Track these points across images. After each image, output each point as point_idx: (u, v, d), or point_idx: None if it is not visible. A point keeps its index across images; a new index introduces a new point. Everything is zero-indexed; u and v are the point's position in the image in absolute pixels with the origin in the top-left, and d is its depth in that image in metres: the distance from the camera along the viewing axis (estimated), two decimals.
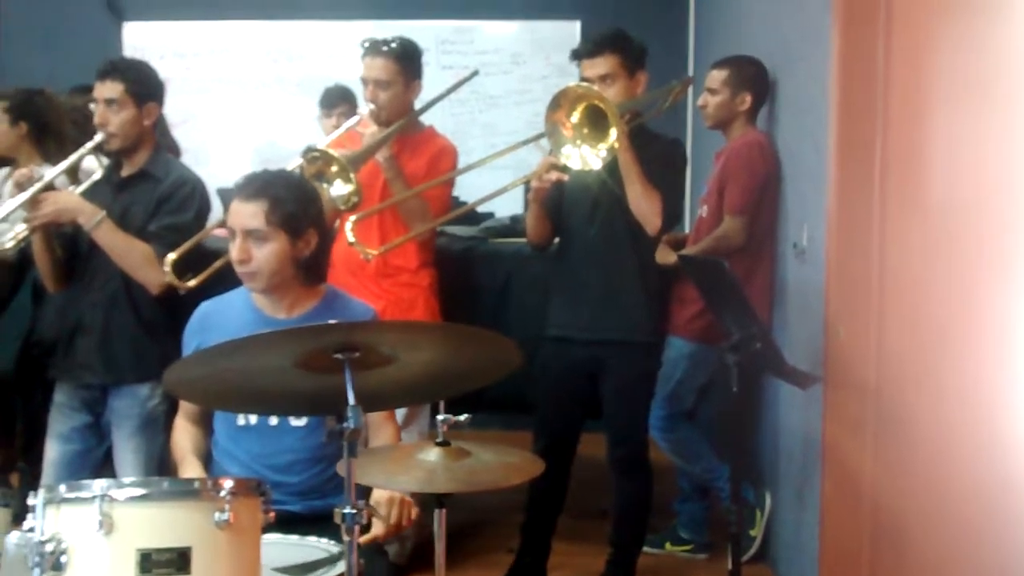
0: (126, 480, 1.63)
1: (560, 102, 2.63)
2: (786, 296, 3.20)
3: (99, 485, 1.59)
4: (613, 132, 2.57)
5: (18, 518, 1.82)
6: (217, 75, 5.53)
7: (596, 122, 2.63)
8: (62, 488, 1.61)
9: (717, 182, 3.33)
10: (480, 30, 5.56)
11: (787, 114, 3.29)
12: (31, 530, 1.60)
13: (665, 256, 3.20)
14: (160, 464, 2.79)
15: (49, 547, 1.54)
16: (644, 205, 2.78)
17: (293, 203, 2.24)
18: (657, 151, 2.89)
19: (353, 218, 2.79)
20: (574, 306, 2.95)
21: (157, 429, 2.79)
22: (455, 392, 1.86)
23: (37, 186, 2.63)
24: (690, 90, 4.11)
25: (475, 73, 3.38)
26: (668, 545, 3.54)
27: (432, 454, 1.90)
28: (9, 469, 3.80)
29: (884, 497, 2.38)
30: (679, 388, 3.38)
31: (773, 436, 3.38)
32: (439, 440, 1.91)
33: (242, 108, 5.59)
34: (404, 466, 1.90)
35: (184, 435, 2.38)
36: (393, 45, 3.10)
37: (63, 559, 1.55)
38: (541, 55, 5.47)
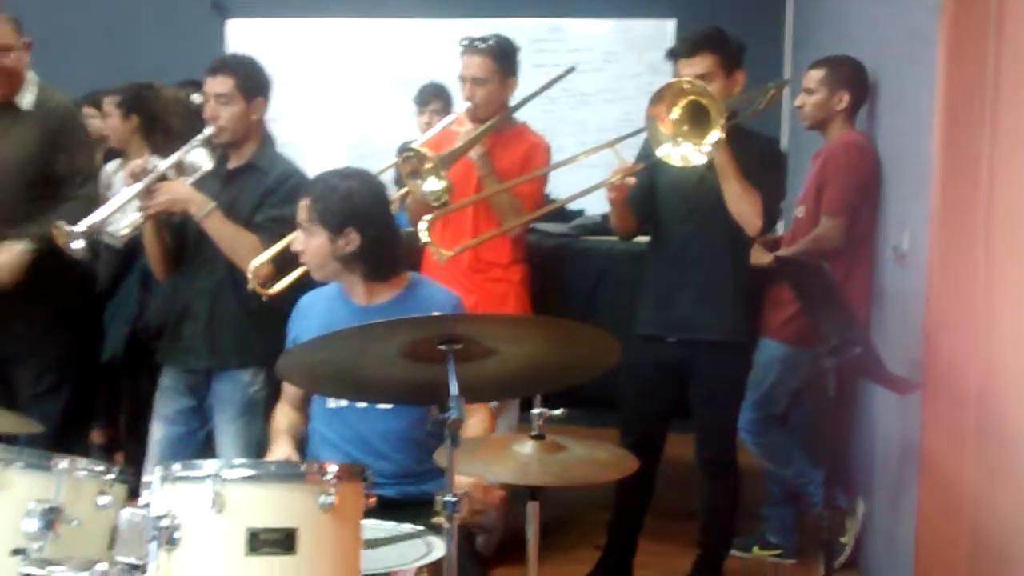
0: (236, 461, 1.69)
1: (663, 96, 2.63)
2: (884, 300, 3.14)
3: (211, 465, 1.65)
4: (716, 129, 2.56)
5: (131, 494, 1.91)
6: (314, 72, 5.67)
7: (696, 119, 2.63)
8: (176, 467, 1.67)
9: (815, 183, 3.28)
10: (573, 28, 5.58)
11: (889, 116, 3.22)
12: (147, 506, 1.68)
13: (759, 257, 3.17)
14: (259, 449, 2.87)
15: (164, 523, 1.61)
16: (743, 205, 2.77)
17: (333, 202, 2.30)
18: (755, 150, 2.87)
19: (427, 217, 2.80)
20: (666, 305, 2.95)
21: (257, 414, 2.87)
22: (553, 387, 1.88)
23: (151, 176, 2.73)
24: (786, 92, 4.06)
25: (571, 69, 3.39)
26: (756, 549, 3.50)
27: (527, 447, 1.92)
28: (114, 448, 3.98)
29: (984, 509, 2.32)
30: (771, 391, 3.34)
31: (868, 442, 3.31)
32: (534, 433, 1.93)
33: (338, 104, 5.72)
34: (499, 457, 1.93)
35: (283, 417, 2.47)
36: (490, 43, 3.14)
37: (177, 535, 1.61)
38: (634, 53, 5.45)
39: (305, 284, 2.72)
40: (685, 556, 3.14)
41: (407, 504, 2.19)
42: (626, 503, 3.09)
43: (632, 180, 2.80)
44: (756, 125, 3.11)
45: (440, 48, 5.50)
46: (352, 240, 2.29)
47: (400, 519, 2.11)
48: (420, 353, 1.66)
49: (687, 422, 3.05)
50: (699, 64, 2.83)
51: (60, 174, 3.12)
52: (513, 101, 3.24)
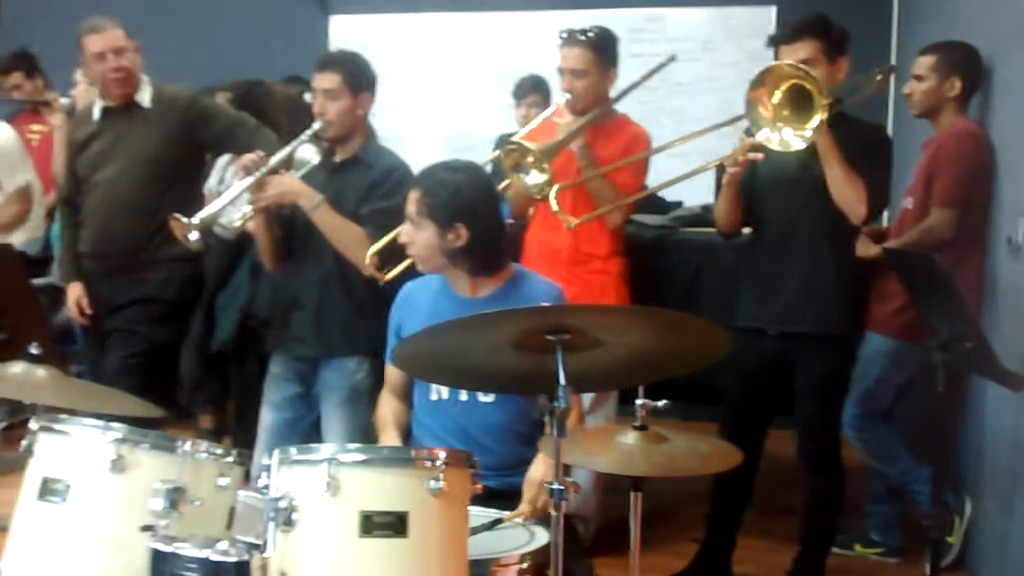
0: (350, 445, 1.74)
1: (764, 80, 2.60)
2: (997, 293, 3.04)
3: (327, 449, 1.72)
4: (818, 114, 2.52)
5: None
6: (414, 66, 5.76)
7: (798, 104, 2.59)
8: (293, 450, 1.74)
9: (924, 172, 3.19)
10: (671, 17, 5.53)
11: (1004, 103, 3.11)
12: (265, 487, 1.76)
13: (866, 248, 3.10)
14: (364, 435, 2.95)
15: (282, 504, 1.68)
16: (847, 192, 2.71)
17: (443, 196, 2.31)
18: (859, 136, 2.80)
19: (557, 186, 2.84)
20: (767, 297, 2.91)
21: (363, 401, 2.95)
22: (658, 378, 1.88)
23: (262, 170, 2.82)
24: (891, 79, 3.95)
25: (673, 58, 3.37)
26: (858, 547, 3.44)
27: (630, 437, 1.94)
28: (222, 433, 4.13)
29: None
30: (876, 386, 3.27)
31: (977, 440, 3.22)
32: (637, 424, 1.94)
33: (436, 98, 5.80)
34: (602, 447, 1.95)
35: (388, 408, 2.52)
36: (590, 35, 3.14)
37: (294, 516, 1.67)
38: (733, 41, 5.38)
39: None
40: (785, 552, 3.11)
41: (507, 494, 2.22)
42: (725, 498, 3.07)
43: (759, 156, 2.73)
44: (860, 112, 3.05)
45: (537, 41, 5.52)
46: (461, 235, 2.30)
47: (500, 509, 2.15)
48: (528, 343, 1.68)
49: (788, 418, 3.02)
50: (801, 50, 2.78)
51: (212, 140, 3.33)
52: (613, 92, 3.24)
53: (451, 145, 5.71)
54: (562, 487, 1.66)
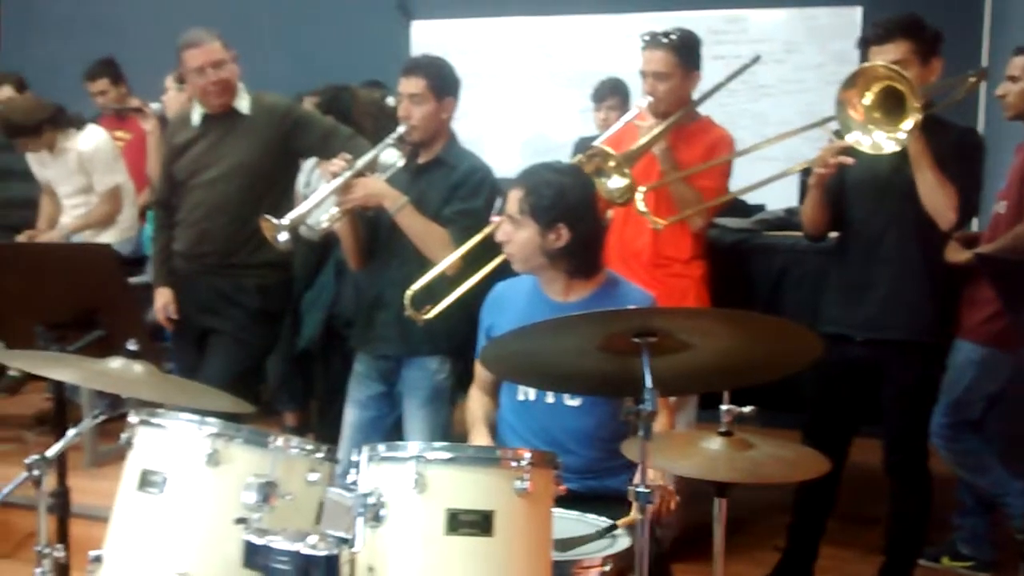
0: (437, 444, 1.77)
1: (856, 81, 2.56)
2: None
3: (414, 447, 1.74)
4: (911, 116, 2.47)
5: None
6: (493, 70, 5.80)
7: (889, 105, 2.54)
8: (382, 447, 1.77)
9: (1018, 176, 3.09)
10: (753, 19, 5.47)
11: None
12: (354, 483, 1.79)
13: (955, 254, 3.02)
14: (445, 435, 2.99)
15: (371, 500, 1.71)
16: (938, 197, 2.64)
17: (547, 196, 2.32)
18: (951, 140, 2.73)
19: (643, 188, 2.83)
20: (854, 303, 2.86)
21: (444, 401, 2.99)
22: (746, 383, 1.87)
23: (348, 173, 2.87)
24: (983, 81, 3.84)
25: (757, 58, 3.33)
26: (946, 560, 3.35)
27: (715, 443, 1.93)
28: (305, 431, 4.22)
29: None
30: (966, 395, 3.18)
31: None
32: (722, 430, 1.93)
33: (515, 102, 5.83)
34: (686, 452, 1.94)
35: (477, 404, 2.56)
36: (673, 37, 3.12)
37: (382, 512, 1.70)
38: (817, 43, 5.29)
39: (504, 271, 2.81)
40: (869, 563, 3.04)
41: (589, 498, 2.22)
42: (808, 506, 3.02)
43: (850, 160, 2.69)
44: (950, 115, 2.97)
45: (615, 44, 5.52)
46: (562, 235, 2.32)
47: (582, 512, 2.15)
48: (615, 346, 1.69)
49: (873, 427, 2.96)
50: (892, 51, 2.72)
51: (307, 148, 3.42)
52: (695, 94, 3.22)
53: (529, 148, 5.73)
54: (648, 490, 1.66)
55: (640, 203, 2.86)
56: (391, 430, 3.08)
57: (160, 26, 4.74)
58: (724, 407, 1.92)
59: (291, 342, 3.80)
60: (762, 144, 2.99)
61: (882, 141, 2.55)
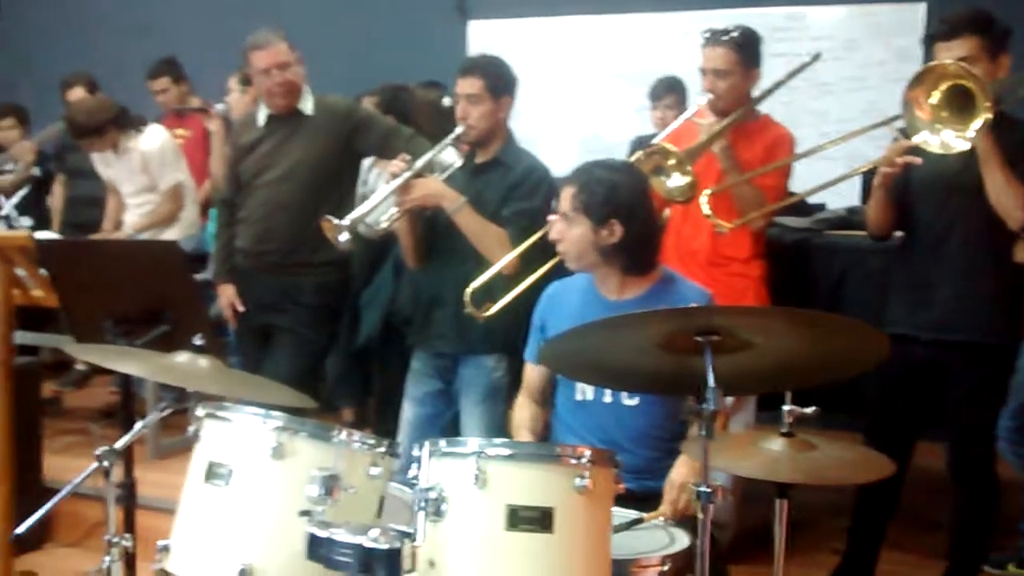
0: (496, 440, 1.78)
1: (923, 79, 2.51)
2: None
3: (474, 443, 1.76)
4: (981, 115, 2.42)
5: None
6: (549, 69, 5.80)
7: (958, 104, 2.49)
8: (442, 443, 1.79)
9: None
10: (813, 15, 5.39)
11: None
12: (415, 478, 1.81)
13: None
14: (501, 432, 2.99)
15: (432, 495, 1.72)
16: (1006, 197, 2.59)
17: (599, 193, 2.32)
18: (1019, 138, 2.67)
19: (708, 192, 2.81)
20: (918, 303, 2.81)
21: (500, 399, 3.00)
22: (810, 383, 1.84)
23: (407, 174, 2.90)
24: None
25: (818, 56, 3.29)
26: (1012, 567, 3.27)
27: (776, 443, 1.90)
28: (362, 427, 4.26)
29: None
30: None
31: None
32: (784, 430, 1.91)
33: (570, 100, 5.82)
34: (747, 453, 1.92)
35: (523, 411, 2.56)
36: (734, 35, 3.09)
37: (443, 507, 1.71)
38: (879, 40, 5.19)
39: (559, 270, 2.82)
40: (931, 568, 2.99)
41: (647, 497, 2.22)
42: (869, 510, 2.97)
43: (917, 160, 2.65)
44: (1019, 113, 2.90)
45: (671, 42, 5.49)
46: (615, 232, 2.32)
47: (641, 511, 2.15)
48: (676, 344, 1.68)
49: (937, 430, 2.90)
50: (959, 47, 2.67)
51: (369, 148, 3.47)
52: (755, 92, 3.19)
53: (585, 147, 5.72)
54: (709, 490, 1.65)
55: (705, 206, 2.84)
56: (448, 427, 3.10)
57: (221, 28, 4.83)
58: (786, 407, 1.90)
59: (350, 339, 3.84)
60: (827, 145, 2.96)
61: (951, 140, 2.51)
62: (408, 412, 3.14)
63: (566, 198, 2.36)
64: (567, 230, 2.37)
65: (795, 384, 1.83)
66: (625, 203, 2.33)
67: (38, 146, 5.03)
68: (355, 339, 3.82)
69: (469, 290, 2.78)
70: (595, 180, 2.34)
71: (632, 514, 2.11)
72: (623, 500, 2.09)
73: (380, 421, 3.89)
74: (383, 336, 3.72)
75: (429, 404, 3.12)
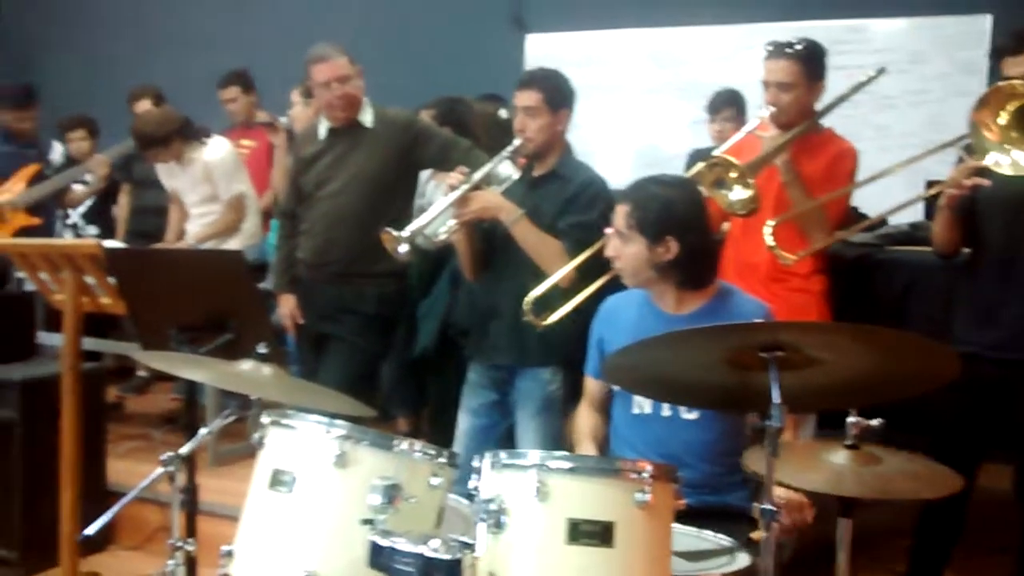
0: (557, 453, 1.77)
1: (989, 100, 2.47)
2: None
3: (535, 455, 1.76)
4: None
5: None
6: (606, 82, 5.80)
7: None
8: (503, 455, 1.79)
9: None
10: (875, 28, 5.32)
11: None
12: (475, 489, 1.81)
13: None
14: (556, 445, 2.99)
15: (492, 506, 1.73)
16: None
17: (653, 210, 2.32)
18: None
19: (772, 222, 2.81)
20: (986, 322, 2.75)
21: (556, 411, 3.00)
22: (876, 401, 1.82)
23: (465, 186, 2.92)
24: None
25: (883, 70, 3.24)
26: None
27: (840, 456, 1.87)
28: (416, 437, 4.28)
29: None
30: None
31: None
32: (848, 443, 1.88)
33: (627, 113, 5.82)
34: (810, 465, 1.89)
35: (585, 421, 2.56)
36: (798, 47, 3.06)
37: (504, 519, 1.72)
38: (943, 53, 5.11)
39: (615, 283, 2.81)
40: None
41: (706, 513, 2.20)
42: (933, 530, 2.91)
43: (986, 181, 2.61)
44: None
45: (729, 54, 5.46)
46: (671, 248, 2.31)
47: (700, 527, 2.13)
48: (740, 360, 1.67)
49: (1004, 451, 2.84)
50: None
51: (427, 160, 3.51)
52: (818, 105, 3.15)
53: (641, 160, 5.71)
54: (774, 508, 1.63)
55: (769, 237, 2.81)
56: (503, 438, 3.11)
57: (285, 42, 4.92)
58: (851, 419, 1.87)
59: (406, 349, 3.87)
60: (894, 167, 2.91)
61: (1022, 160, 2.46)
62: (463, 423, 3.15)
63: (620, 215, 2.36)
64: (622, 247, 2.37)
65: (861, 402, 1.81)
66: (680, 220, 2.32)
67: (111, 160, 5.15)
68: (411, 350, 3.85)
69: (529, 298, 2.79)
70: (649, 197, 2.34)
71: (693, 531, 2.10)
72: (683, 517, 2.08)
73: (434, 431, 3.90)
74: (439, 347, 3.74)
75: (485, 415, 3.13)
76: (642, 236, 2.32)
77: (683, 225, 2.32)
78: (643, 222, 2.32)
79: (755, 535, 2.04)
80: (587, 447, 2.48)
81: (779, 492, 2.16)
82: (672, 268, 2.34)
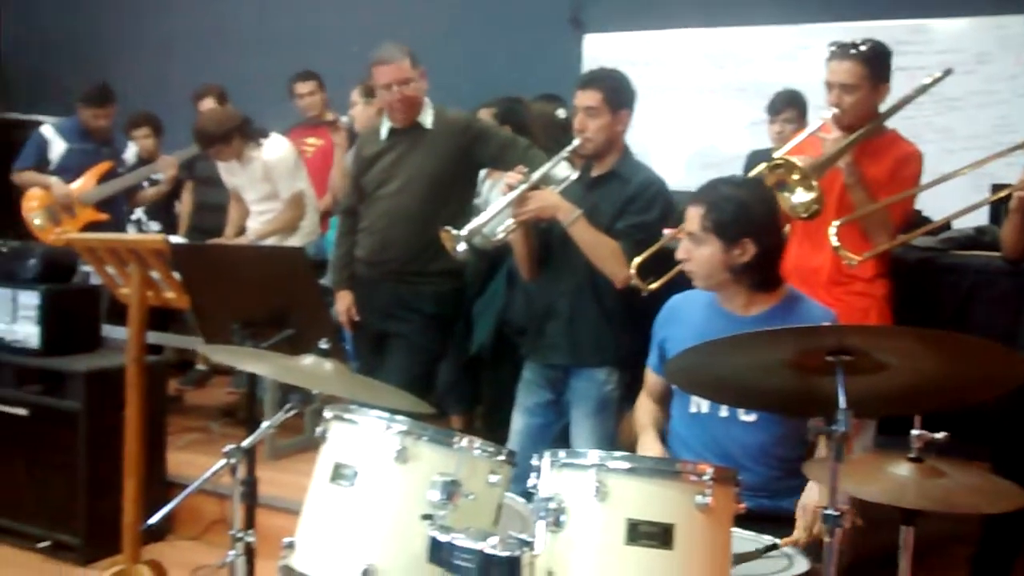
0: (616, 453, 1.77)
1: None
2: None
3: (595, 455, 1.75)
4: None
5: None
6: (663, 82, 5.76)
7: None
8: (562, 453, 1.79)
9: None
10: (939, 28, 5.22)
11: None
12: (534, 487, 1.82)
13: None
14: (611, 445, 2.99)
15: (551, 505, 1.73)
16: None
17: (729, 212, 2.30)
18: None
19: (837, 223, 2.78)
20: None
21: (611, 412, 3.00)
22: (941, 407, 1.79)
23: (524, 186, 2.93)
24: None
25: (949, 71, 3.18)
26: None
27: (903, 468, 1.86)
28: (470, 434, 4.29)
29: None
30: None
31: None
32: (912, 455, 1.86)
33: (684, 113, 5.78)
34: (872, 477, 1.87)
35: (645, 411, 2.56)
36: (862, 48, 3.02)
37: (563, 518, 1.71)
38: (1009, 52, 4.99)
39: (670, 286, 2.81)
40: None
41: (762, 517, 2.18)
42: (997, 540, 2.85)
43: None
44: None
45: (788, 54, 5.39)
46: (747, 250, 2.31)
47: (757, 532, 2.11)
48: (805, 363, 1.65)
49: None
50: None
51: (486, 159, 3.53)
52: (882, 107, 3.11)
53: (695, 161, 5.67)
54: (837, 513, 1.61)
55: (833, 238, 2.78)
56: (557, 438, 3.11)
57: (346, 41, 4.98)
58: (915, 432, 1.85)
59: (462, 348, 3.89)
60: (962, 170, 2.85)
61: None
62: (518, 422, 3.17)
63: (694, 218, 2.35)
64: (694, 249, 2.36)
65: (926, 407, 1.78)
66: (756, 221, 2.32)
67: (180, 161, 5.26)
68: (467, 348, 3.87)
69: (638, 260, 2.82)
70: (724, 198, 2.33)
71: (749, 536, 2.08)
72: (739, 520, 2.07)
73: (487, 429, 3.92)
74: (495, 345, 3.76)
75: (540, 414, 3.14)
76: (718, 238, 2.31)
77: (759, 227, 2.32)
78: (719, 224, 2.31)
79: (784, 541, 2.04)
80: (650, 434, 2.48)
81: (808, 497, 2.15)
82: (746, 270, 2.33)
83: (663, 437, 2.49)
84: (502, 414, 3.36)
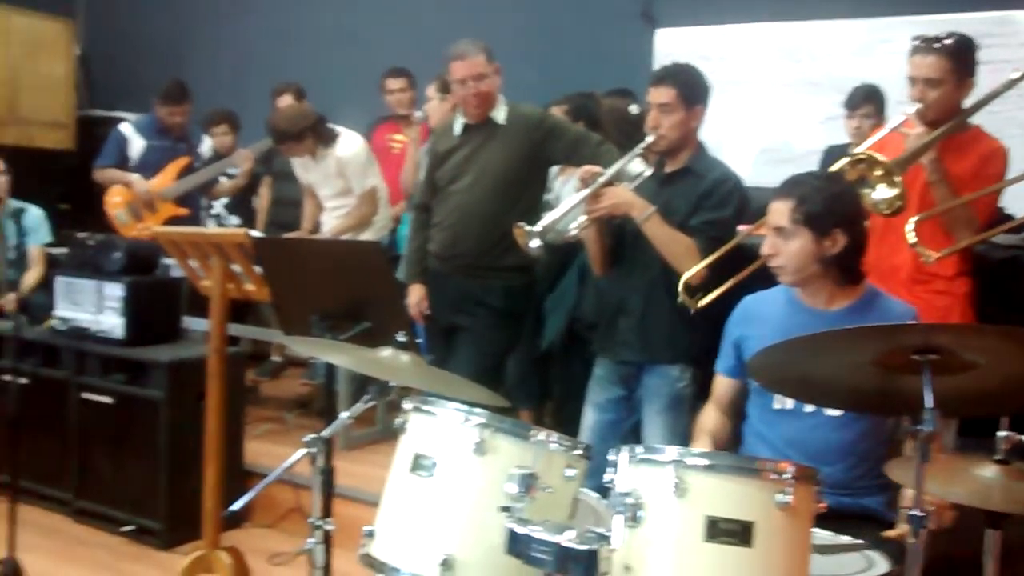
0: (694, 450, 1.77)
1: None
2: None
3: (673, 451, 1.76)
4: None
5: None
6: (736, 76, 5.69)
7: None
8: (639, 449, 1.80)
9: None
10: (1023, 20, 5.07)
11: None
12: (611, 482, 1.83)
13: None
14: (683, 443, 2.96)
15: (629, 500, 1.73)
16: None
17: (820, 203, 2.29)
18: None
19: (915, 219, 2.75)
20: None
21: (683, 409, 2.98)
22: None
23: (599, 181, 2.93)
24: None
25: None
26: None
27: (988, 471, 1.82)
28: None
29: None
30: None
31: None
32: (998, 458, 1.82)
33: (758, 108, 5.71)
34: (956, 478, 1.84)
35: (708, 419, 2.54)
36: (947, 42, 2.95)
37: (640, 513, 1.72)
38: None
39: (746, 283, 2.79)
40: None
41: (842, 516, 2.16)
42: None
43: None
44: None
45: (866, 48, 5.28)
46: (839, 241, 2.30)
47: (835, 530, 2.08)
48: (891, 362, 1.63)
49: None
50: None
51: (559, 155, 3.55)
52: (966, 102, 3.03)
53: (768, 156, 5.59)
54: (923, 514, 1.59)
55: (911, 234, 2.74)
56: (628, 435, 3.11)
57: (421, 38, 5.02)
58: (1002, 433, 1.81)
59: (533, 343, 3.91)
60: None
61: None
62: (589, 417, 3.17)
63: (782, 212, 2.34)
64: (783, 244, 2.34)
65: (1011, 408, 1.74)
66: (847, 212, 2.32)
67: (255, 155, 5.37)
68: (538, 343, 3.89)
69: (685, 277, 2.81)
70: (813, 190, 2.32)
71: (831, 536, 2.06)
72: (821, 519, 2.05)
73: (556, 424, 3.93)
74: (566, 341, 3.77)
75: (611, 410, 3.13)
76: (809, 231, 2.30)
77: (849, 217, 2.32)
78: (810, 215, 2.30)
79: (888, 533, 2.01)
80: (703, 442, 2.46)
81: (909, 495, 2.11)
82: (835, 262, 2.33)
83: (724, 447, 2.47)
84: (571, 410, 3.37)
